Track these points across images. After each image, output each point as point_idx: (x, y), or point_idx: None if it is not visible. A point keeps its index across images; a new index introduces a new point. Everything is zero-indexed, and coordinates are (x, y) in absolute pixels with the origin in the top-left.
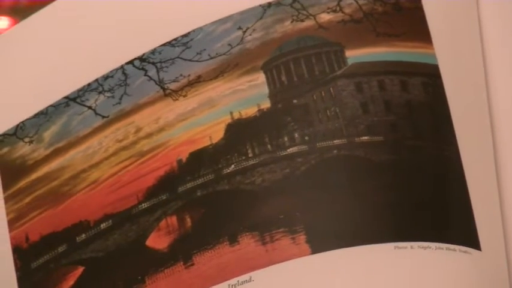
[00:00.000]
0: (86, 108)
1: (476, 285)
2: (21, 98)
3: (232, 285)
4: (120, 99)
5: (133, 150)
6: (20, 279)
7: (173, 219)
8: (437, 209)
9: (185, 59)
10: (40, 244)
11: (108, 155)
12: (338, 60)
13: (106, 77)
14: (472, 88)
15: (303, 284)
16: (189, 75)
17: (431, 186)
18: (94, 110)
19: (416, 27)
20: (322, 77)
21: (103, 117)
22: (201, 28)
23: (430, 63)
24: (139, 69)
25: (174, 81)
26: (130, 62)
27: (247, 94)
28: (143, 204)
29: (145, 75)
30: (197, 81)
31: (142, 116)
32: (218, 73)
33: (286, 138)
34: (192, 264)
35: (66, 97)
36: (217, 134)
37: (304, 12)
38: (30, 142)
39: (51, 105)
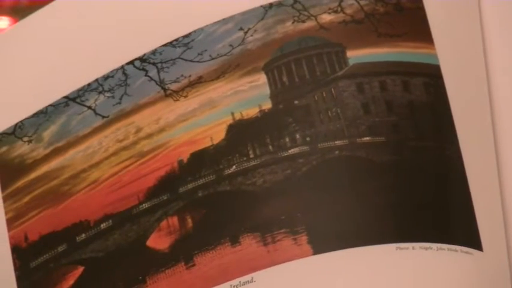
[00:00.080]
0: (86, 108)
1: (478, 285)
2: (20, 98)
3: (233, 286)
4: (120, 99)
5: (134, 150)
6: (19, 279)
7: (174, 220)
8: (439, 210)
9: (186, 60)
10: (39, 244)
11: (108, 155)
12: (339, 61)
13: (106, 77)
14: (473, 88)
15: (305, 284)
16: (190, 76)
17: (433, 187)
18: (94, 110)
19: (417, 28)
20: (323, 78)
21: (103, 117)
22: (202, 29)
23: (431, 64)
24: (140, 69)
25: (174, 81)
26: (131, 62)
27: (249, 95)
28: (144, 205)
29: (145, 75)
30: (198, 82)
31: (142, 116)
32: (219, 74)
33: (287, 139)
34: (194, 265)
35: (65, 97)
36: (219, 134)
37: (306, 13)
38: (29, 141)
39: (50, 105)
